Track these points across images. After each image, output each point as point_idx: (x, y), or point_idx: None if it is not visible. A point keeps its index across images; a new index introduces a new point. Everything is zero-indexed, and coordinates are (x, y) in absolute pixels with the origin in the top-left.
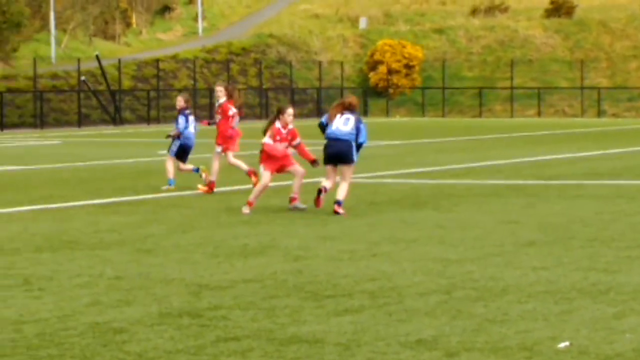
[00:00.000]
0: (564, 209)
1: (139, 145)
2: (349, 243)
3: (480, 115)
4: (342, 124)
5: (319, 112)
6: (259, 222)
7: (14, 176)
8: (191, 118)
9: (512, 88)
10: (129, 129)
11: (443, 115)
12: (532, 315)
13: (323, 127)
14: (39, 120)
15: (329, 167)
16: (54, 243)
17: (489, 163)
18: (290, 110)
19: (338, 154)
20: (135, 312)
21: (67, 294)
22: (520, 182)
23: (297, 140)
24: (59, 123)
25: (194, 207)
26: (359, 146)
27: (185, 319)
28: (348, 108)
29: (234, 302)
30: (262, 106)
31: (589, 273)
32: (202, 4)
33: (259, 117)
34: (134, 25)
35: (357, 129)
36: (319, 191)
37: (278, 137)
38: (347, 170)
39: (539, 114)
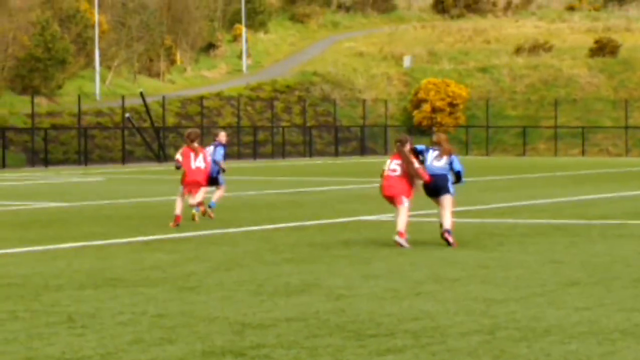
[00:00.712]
0: (607, 248)
1: None
2: (393, 282)
3: (524, 154)
4: (436, 160)
5: (363, 151)
6: (302, 260)
7: (58, 213)
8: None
9: (556, 127)
10: (172, 166)
11: (487, 154)
12: (575, 356)
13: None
14: (83, 157)
15: (434, 200)
16: (97, 280)
17: (532, 202)
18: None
19: (435, 188)
20: (178, 350)
21: (109, 332)
22: (564, 221)
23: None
24: (102, 160)
25: (237, 244)
26: (457, 176)
27: (228, 358)
28: (437, 144)
29: (276, 341)
30: (305, 144)
31: (632, 314)
32: (247, 41)
33: (303, 154)
34: (179, 63)
35: (451, 162)
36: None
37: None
38: (445, 200)
39: (582, 153)
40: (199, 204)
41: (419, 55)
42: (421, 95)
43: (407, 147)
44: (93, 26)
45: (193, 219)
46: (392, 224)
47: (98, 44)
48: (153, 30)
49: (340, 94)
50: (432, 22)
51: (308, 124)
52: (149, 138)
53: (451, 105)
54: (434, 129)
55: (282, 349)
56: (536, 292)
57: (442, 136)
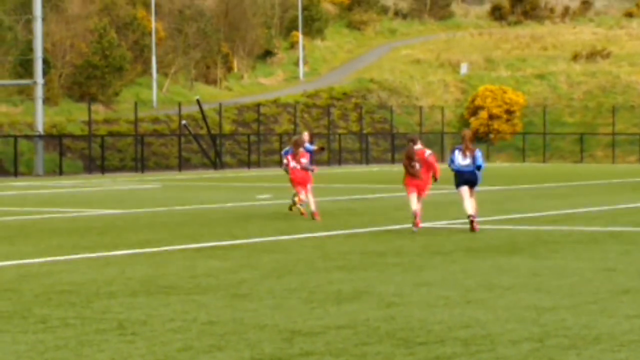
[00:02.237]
0: None
1: (239, 189)
2: (444, 289)
3: (581, 160)
4: (463, 160)
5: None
6: (354, 267)
7: (113, 220)
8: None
9: (613, 134)
10: (229, 173)
11: (544, 161)
12: None
13: (452, 163)
14: (140, 164)
15: (463, 189)
16: (150, 287)
17: (587, 209)
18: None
19: (465, 182)
20: (227, 357)
21: (159, 339)
22: (618, 228)
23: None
24: (159, 167)
25: (289, 252)
26: (478, 168)
27: None
28: (462, 141)
29: (325, 349)
30: (362, 151)
31: None
32: (304, 48)
33: (359, 162)
34: (236, 70)
35: (474, 157)
36: (473, 216)
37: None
38: (472, 192)
39: None
40: (301, 201)
41: (476, 62)
42: (478, 102)
43: (418, 145)
44: (150, 33)
45: (301, 213)
46: (448, 231)
47: (155, 51)
48: (210, 38)
49: (397, 101)
50: (489, 28)
51: (364, 131)
52: (205, 145)
53: (508, 112)
54: (465, 129)
55: (330, 357)
56: (588, 300)
57: (467, 135)
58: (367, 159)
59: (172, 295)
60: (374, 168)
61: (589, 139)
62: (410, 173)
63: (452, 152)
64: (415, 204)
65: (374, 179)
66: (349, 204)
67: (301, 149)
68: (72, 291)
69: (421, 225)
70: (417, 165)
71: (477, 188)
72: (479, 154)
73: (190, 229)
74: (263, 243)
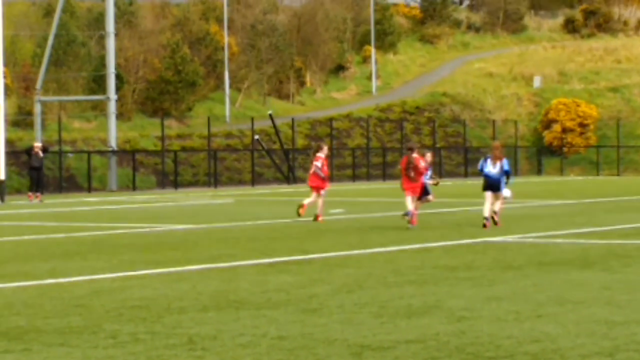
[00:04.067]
0: None
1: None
2: (515, 304)
3: None
4: (492, 168)
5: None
6: (425, 281)
7: (186, 235)
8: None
9: None
10: (302, 187)
11: (618, 174)
12: None
13: (481, 170)
14: (213, 179)
15: (488, 194)
16: (220, 302)
17: None
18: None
19: (492, 187)
20: None
21: (229, 354)
22: None
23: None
24: (232, 182)
25: (361, 266)
26: (507, 174)
27: None
28: (494, 150)
29: None
30: (434, 165)
31: None
32: (376, 63)
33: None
34: (308, 85)
35: (502, 166)
36: (487, 219)
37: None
38: (498, 196)
39: None
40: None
41: (549, 75)
42: (551, 115)
43: (415, 154)
44: (223, 48)
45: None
46: (520, 245)
47: (228, 66)
48: (283, 52)
49: (470, 114)
50: (562, 42)
51: (438, 145)
52: (278, 160)
53: (581, 125)
54: (495, 141)
55: None
56: None
57: (497, 146)
58: (440, 173)
59: (243, 310)
60: (448, 182)
61: None
62: (407, 178)
63: (485, 160)
64: (410, 205)
65: (447, 193)
66: (421, 217)
67: (319, 154)
68: (143, 306)
69: (416, 223)
70: (412, 173)
71: (503, 189)
72: (505, 161)
73: (263, 243)
74: (335, 258)
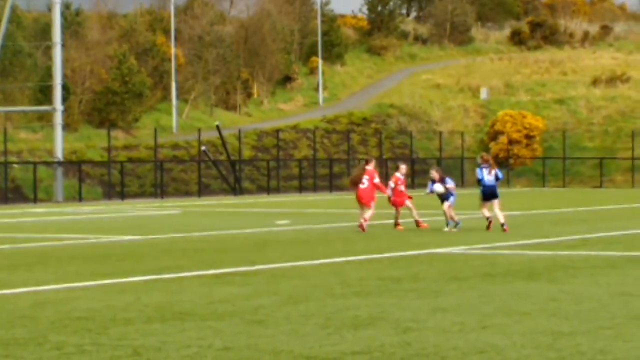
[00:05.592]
0: None
1: (258, 215)
2: (461, 315)
3: (601, 185)
4: (488, 176)
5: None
6: (371, 293)
7: (132, 246)
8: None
9: (633, 158)
10: (248, 198)
11: (564, 186)
12: None
13: (479, 180)
14: (159, 190)
15: (485, 202)
16: (165, 314)
17: (606, 234)
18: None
19: (489, 195)
20: None
21: None
22: (637, 253)
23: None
24: (179, 192)
25: (307, 277)
26: (497, 178)
27: None
28: (486, 161)
29: None
30: (382, 176)
31: None
32: (323, 74)
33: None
34: (255, 96)
35: (495, 172)
36: (490, 222)
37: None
38: (496, 203)
39: None
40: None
41: (496, 87)
42: (498, 127)
43: (371, 165)
44: (170, 59)
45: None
46: (465, 256)
47: (175, 77)
48: (230, 63)
49: (417, 126)
50: (508, 53)
51: (384, 156)
52: (224, 171)
53: (528, 137)
54: (481, 154)
55: None
56: (604, 325)
57: (488, 156)
58: (385, 184)
59: (188, 322)
60: None
61: (608, 164)
62: (357, 188)
63: (480, 169)
64: (364, 213)
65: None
66: (369, 229)
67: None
68: (89, 318)
69: (366, 229)
70: (366, 182)
71: (499, 198)
72: (498, 169)
73: (209, 255)
74: (281, 269)
